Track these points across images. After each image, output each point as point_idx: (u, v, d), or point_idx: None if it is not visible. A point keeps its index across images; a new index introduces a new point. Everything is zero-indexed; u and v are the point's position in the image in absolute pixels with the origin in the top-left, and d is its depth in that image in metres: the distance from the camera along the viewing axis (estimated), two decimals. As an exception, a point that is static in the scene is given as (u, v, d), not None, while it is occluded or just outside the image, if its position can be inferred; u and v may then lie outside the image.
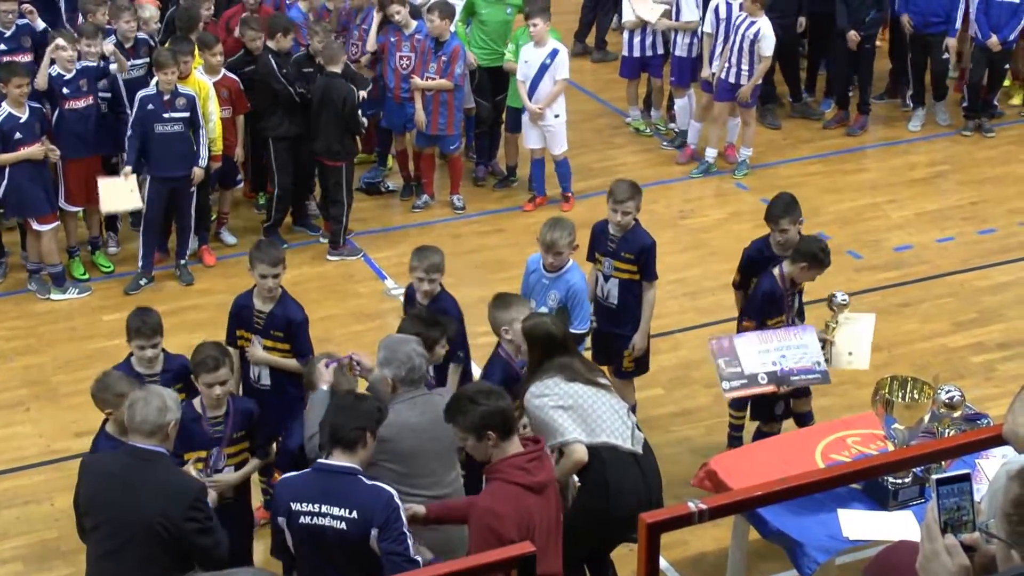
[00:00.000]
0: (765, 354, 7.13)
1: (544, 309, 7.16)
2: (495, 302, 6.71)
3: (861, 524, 6.08)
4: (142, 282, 9.85)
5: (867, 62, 12.35)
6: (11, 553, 7.22)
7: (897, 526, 6.00)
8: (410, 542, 5.21)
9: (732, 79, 11.31)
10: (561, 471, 6.04)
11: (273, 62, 10.11)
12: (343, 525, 5.15)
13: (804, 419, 7.70)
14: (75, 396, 8.38)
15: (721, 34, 11.26)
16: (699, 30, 11.59)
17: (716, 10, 11.24)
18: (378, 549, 5.18)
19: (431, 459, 5.80)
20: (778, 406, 7.54)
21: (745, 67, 11.25)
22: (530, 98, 10.69)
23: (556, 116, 10.82)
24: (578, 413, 5.98)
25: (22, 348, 9.18)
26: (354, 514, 5.14)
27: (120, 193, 9.65)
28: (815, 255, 7.22)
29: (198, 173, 9.72)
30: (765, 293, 7.33)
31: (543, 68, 10.62)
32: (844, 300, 7.39)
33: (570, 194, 11.10)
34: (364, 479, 5.29)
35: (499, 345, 6.67)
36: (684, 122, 12.12)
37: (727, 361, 7.13)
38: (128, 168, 9.58)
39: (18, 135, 9.22)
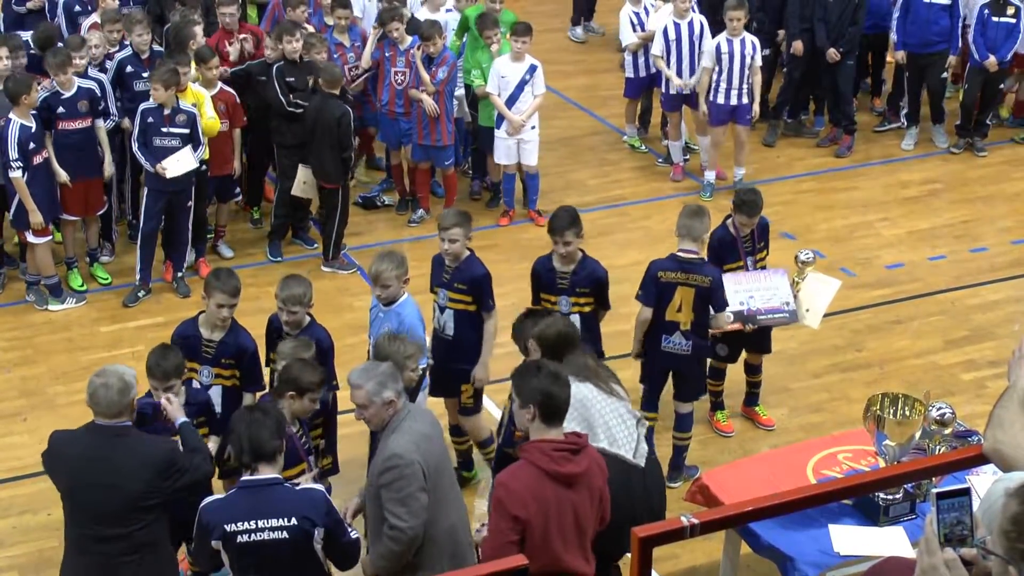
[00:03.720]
0: (733, 295, 7.79)
1: None
2: (689, 212, 7.48)
3: (852, 539, 6.12)
4: (140, 294, 9.89)
5: (847, 78, 12.41)
6: (7, 562, 7.25)
7: (888, 542, 6.04)
8: (347, 524, 5.52)
9: (734, 101, 11.41)
10: None
11: (275, 71, 10.23)
12: (284, 534, 5.24)
13: (754, 371, 8.47)
14: (72, 407, 8.41)
15: (724, 68, 11.32)
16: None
17: (718, 47, 11.29)
18: (321, 550, 5.35)
19: (446, 460, 5.86)
20: (720, 348, 8.16)
21: (745, 87, 11.37)
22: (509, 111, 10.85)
23: (532, 128, 10.98)
24: (584, 419, 6.00)
25: (20, 359, 9.22)
26: (293, 521, 5.25)
27: (179, 160, 9.58)
28: (735, 203, 8.05)
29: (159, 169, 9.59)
30: (718, 239, 8.03)
31: (522, 83, 10.79)
32: (807, 257, 8.05)
33: (538, 211, 11.20)
34: (290, 486, 5.41)
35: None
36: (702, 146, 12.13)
37: None
38: (160, 164, 9.50)
39: (32, 144, 9.31)
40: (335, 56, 10.99)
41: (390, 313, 7.11)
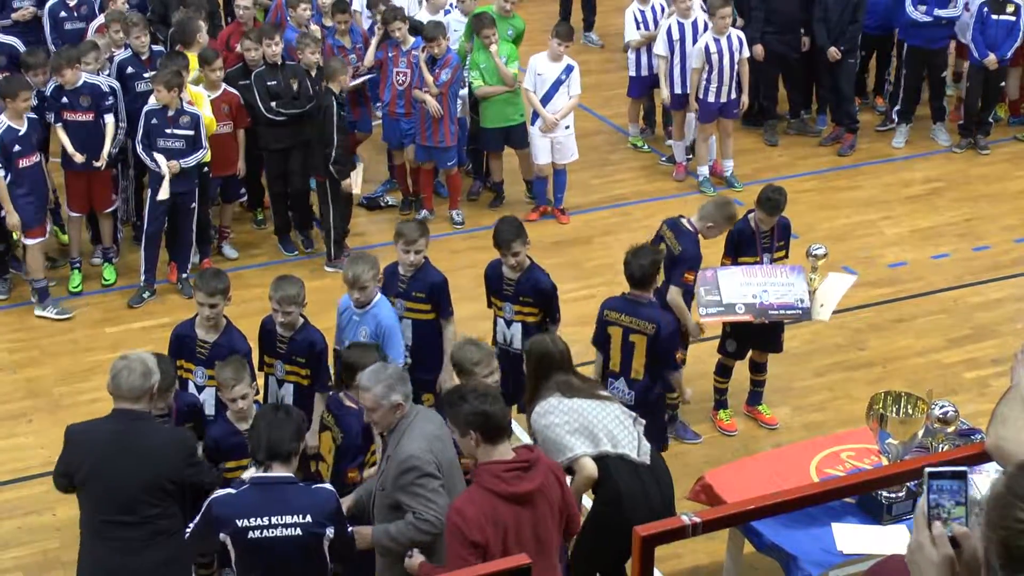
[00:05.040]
0: (747, 287, 7.83)
1: None
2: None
3: (855, 538, 6.14)
4: (145, 295, 9.92)
5: (848, 77, 12.44)
6: (12, 563, 7.28)
7: (891, 540, 6.05)
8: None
9: (723, 99, 11.45)
10: (574, 488, 6.10)
11: (254, 76, 10.31)
12: (298, 531, 5.27)
13: (759, 369, 8.41)
14: (77, 408, 8.44)
15: (715, 67, 11.36)
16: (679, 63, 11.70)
17: (707, 47, 11.33)
18: (328, 549, 5.39)
19: (455, 460, 5.87)
20: (730, 343, 8.23)
21: (733, 83, 11.43)
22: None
23: (567, 128, 11.01)
24: (584, 428, 6.02)
25: (24, 360, 9.25)
26: (308, 518, 5.28)
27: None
28: (759, 199, 8.09)
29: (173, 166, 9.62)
30: (738, 231, 8.07)
31: (558, 83, 10.84)
32: (818, 251, 8.00)
33: (562, 209, 11.25)
34: (303, 485, 5.47)
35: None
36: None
37: (707, 289, 7.84)
38: (165, 166, 9.54)
39: (17, 147, 9.29)
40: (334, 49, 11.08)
41: (366, 315, 7.13)
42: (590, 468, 6.00)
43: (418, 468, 5.54)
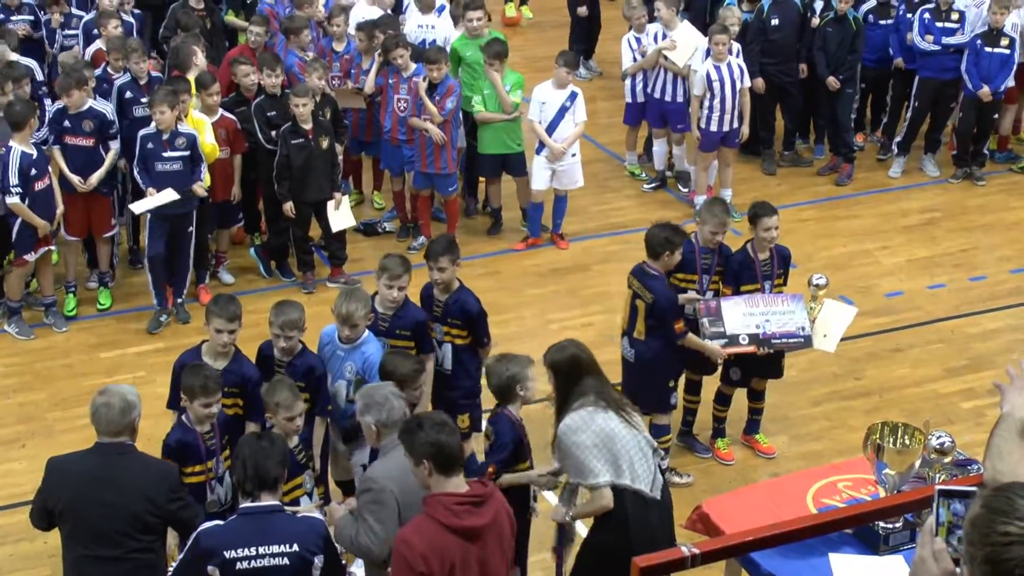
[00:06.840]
0: (749, 317, 7.94)
1: (342, 382, 7.13)
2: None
3: (852, 568, 6.10)
4: (162, 319, 9.89)
5: (846, 107, 12.47)
6: (4, 590, 7.26)
7: (888, 571, 6.03)
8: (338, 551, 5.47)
9: (726, 127, 11.47)
10: (583, 511, 6.13)
11: (254, 107, 10.34)
12: (285, 560, 5.23)
13: (757, 397, 8.43)
14: (71, 433, 8.41)
15: (716, 95, 11.38)
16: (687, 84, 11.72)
17: (708, 75, 11.34)
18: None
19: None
20: (734, 372, 8.27)
21: (736, 112, 11.44)
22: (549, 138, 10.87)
23: (573, 155, 11.01)
24: (612, 455, 5.98)
25: (19, 385, 9.22)
26: (295, 547, 5.25)
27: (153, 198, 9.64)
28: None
29: (197, 189, 9.70)
30: (738, 261, 8.20)
31: (563, 110, 10.82)
32: (819, 281, 8.12)
33: (561, 234, 11.25)
34: (289, 513, 5.44)
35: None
36: (660, 163, 12.39)
37: (711, 320, 7.92)
38: (152, 188, 9.56)
39: (34, 171, 9.33)
40: (351, 71, 11.12)
41: (354, 352, 7.08)
42: (608, 499, 5.97)
43: (373, 491, 5.56)
